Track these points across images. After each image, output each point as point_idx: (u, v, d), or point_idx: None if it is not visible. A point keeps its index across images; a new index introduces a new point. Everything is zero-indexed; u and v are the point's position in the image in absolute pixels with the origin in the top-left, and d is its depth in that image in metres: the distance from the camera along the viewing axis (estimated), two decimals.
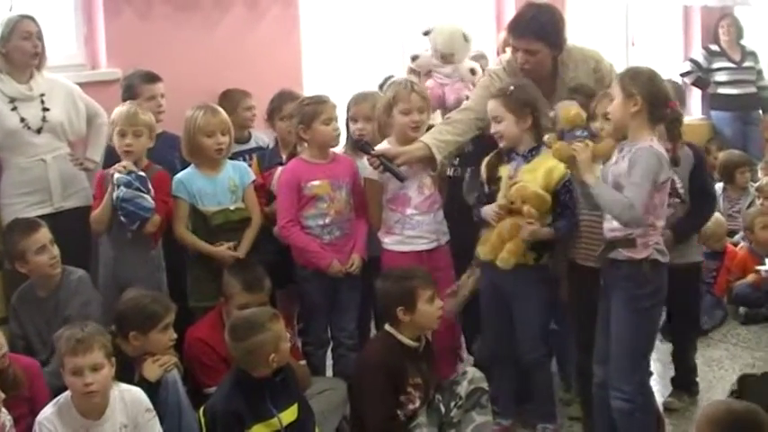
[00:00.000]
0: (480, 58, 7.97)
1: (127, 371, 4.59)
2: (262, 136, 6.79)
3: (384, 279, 5.07)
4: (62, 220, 5.66)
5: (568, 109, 4.93)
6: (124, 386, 4.36)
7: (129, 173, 5.34)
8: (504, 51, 8.21)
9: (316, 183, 5.55)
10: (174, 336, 4.84)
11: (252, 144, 6.74)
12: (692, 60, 10.44)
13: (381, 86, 6.46)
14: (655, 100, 4.54)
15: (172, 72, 6.48)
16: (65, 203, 5.84)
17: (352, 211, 5.67)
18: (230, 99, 6.68)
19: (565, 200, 5.08)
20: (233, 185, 5.64)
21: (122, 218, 5.33)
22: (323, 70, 7.77)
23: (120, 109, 5.55)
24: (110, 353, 4.22)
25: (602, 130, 4.84)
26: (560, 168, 4.99)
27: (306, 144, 5.66)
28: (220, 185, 5.62)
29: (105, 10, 6.40)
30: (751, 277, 7.35)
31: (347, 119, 5.98)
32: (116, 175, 5.31)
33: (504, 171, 5.20)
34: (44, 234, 5.19)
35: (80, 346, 4.13)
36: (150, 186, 5.36)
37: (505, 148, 5.23)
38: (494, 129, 5.24)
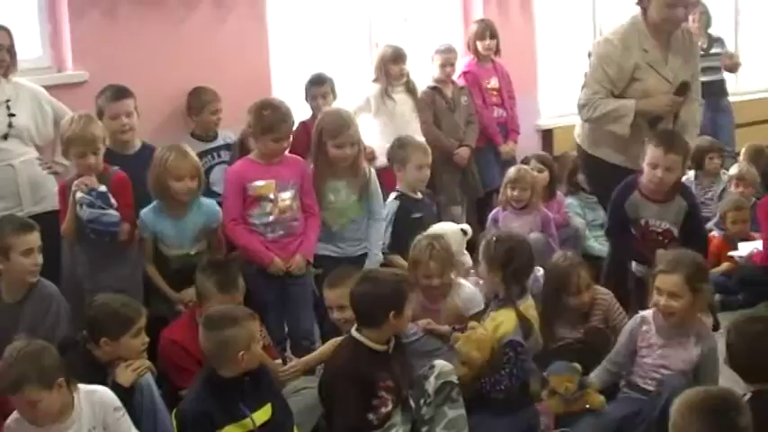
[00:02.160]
0: (449, 51, 8.03)
1: (99, 376, 4.55)
2: (229, 134, 6.81)
3: (367, 281, 4.92)
4: None
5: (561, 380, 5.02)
6: (88, 388, 4.25)
7: (91, 191, 5.32)
8: (474, 45, 8.29)
9: (260, 183, 5.67)
10: (147, 340, 4.81)
11: (219, 142, 6.82)
12: None
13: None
14: None
15: (139, 71, 6.51)
16: (35, 208, 5.81)
17: (299, 211, 5.76)
18: (198, 99, 6.73)
19: (504, 359, 5.04)
20: (197, 231, 5.67)
21: (92, 236, 5.37)
22: (291, 67, 7.74)
23: (73, 129, 5.46)
24: (51, 380, 4.00)
25: None
26: (507, 325, 5.06)
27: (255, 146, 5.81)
28: (184, 230, 5.65)
29: (70, 11, 6.36)
30: (725, 265, 7.37)
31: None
32: (78, 194, 5.30)
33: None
34: (36, 238, 5.13)
35: None
36: (111, 199, 5.35)
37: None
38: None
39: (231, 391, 4.48)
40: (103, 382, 4.52)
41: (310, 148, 6.13)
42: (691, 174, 8.72)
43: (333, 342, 5.23)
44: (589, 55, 6.69)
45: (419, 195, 6.71)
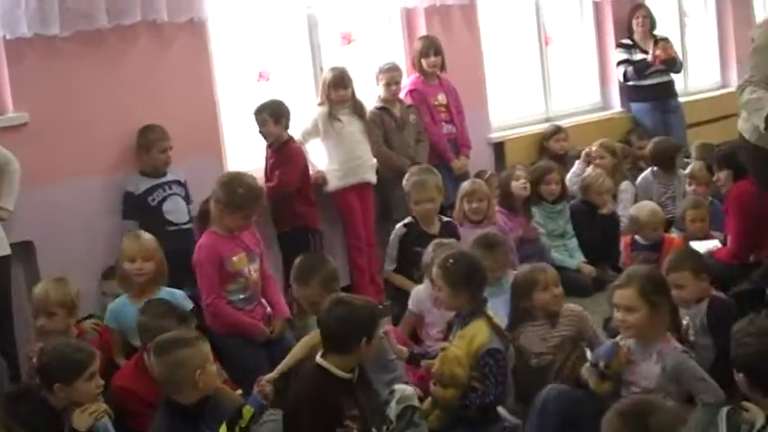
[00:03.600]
0: (393, 70, 8.00)
1: (55, 424, 4.47)
2: (177, 170, 6.78)
3: (340, 305, 4.79)
4: None
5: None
6: None
7: None
8: (419, 62, 8.27)
9: (235, 258, 5.71)
10: (101, 383, 4.71)
11: (169, 177, 6.76)
12: (621, 62, 10.42)
13: None
14: None
15: (81, 111, 6.45)
16: None
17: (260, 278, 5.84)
18: (146, 137, 6.69)
19: (485, 370, 5.04)
20: None
21: None
22: (238, 97, 7.68)
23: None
24: None
25: None
26: (482, 336, 5.07)
27: (217, 217, 5.76)
28: None
29: (7, 53, 6.23)
30: None
31: None
32: None
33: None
34: None
35: None
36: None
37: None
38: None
39: (193, 416, 4.43)
40: (60, 429, 4.46)
41: None
42: (648, 172, 8.77)
43: (303, 343, 5.19)
44: (752, 40, 6.42)
45: (433, 230, 6.81)
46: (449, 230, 6.83)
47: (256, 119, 7.25)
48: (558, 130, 9.48)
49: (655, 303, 4.76)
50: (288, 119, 7.30)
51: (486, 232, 6.64)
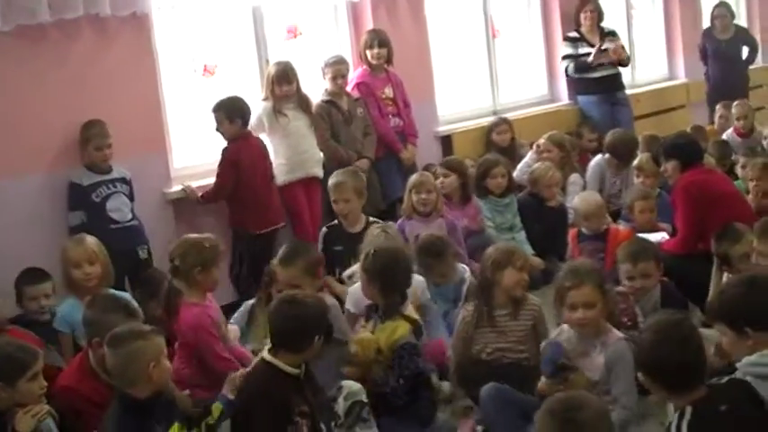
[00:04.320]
0: (340, 63, 7.97)
1: None
2: (122, 169, 6.74)
3: (293, 303, 4.74)
4: None
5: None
6: None
7: None
8: (365, 54, 8.24)
9: (222, 325, 5.55)
10: (45, 384, 4.61)
11: (114, 175, 6.70)
12: (566, 56, 10.45)
13: None
14: None
15: (25, 106, 6.38)
16: None
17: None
18: (86, 132, 6.61)
19: (396, 362, 5.18)
20: None
21: None
22: (183, 92, 7.61)
23: None
24: None
25: None
26: (402, 330, 5.23)
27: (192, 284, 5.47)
28: None
29: None
30: None
31: None
32: None
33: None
34: None
35: None
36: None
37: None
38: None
39: (145, 411, 4.36)
40: (3, 429, 4.37)
41: None
42: (600, 158, 8.80)
43: None
44: None
45: (356, 229, 6.83)
46: None
47: (214, 116, 7.21)
48: (500, 122, 9.49)
49: (606, 294, 4.83)
50: (243, 116, 7.27)
51: (429, 239, 6.57)
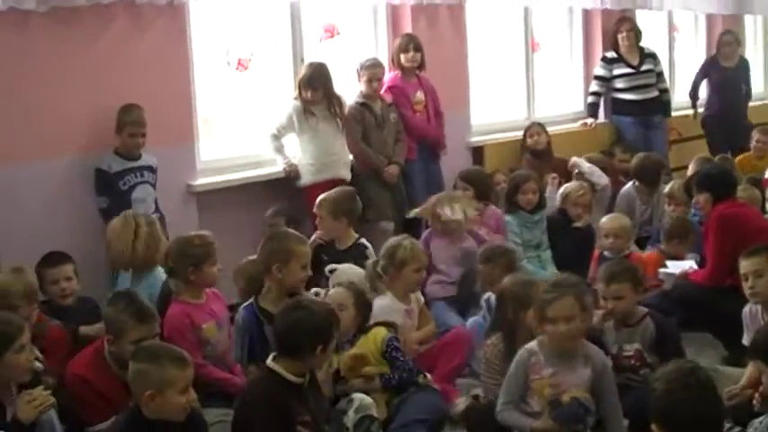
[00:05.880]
0: (376, 66, 7.91)
1: None
2: (152, 157, 6.71)
3: (299, 309, 4.67)
4: None
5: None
6: None
7: None
8: (398, 58, 8.16)
9: (205, 326, 5.42)
10: (35, 356, 4.57)
11: (142, 162, 6.67)
12: (597, 77, 10.35)
13: None
14: None
15: (56, 88, 6.33)
16: None
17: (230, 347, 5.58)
18: (122, 118, 6.56)
19: (392, 353, 5.34)
20: None
21: None
22: (215, 85, 7.55)
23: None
24: None
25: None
26: (381, 332, 5.40)
27: (188, 283, 5.47)
28: None
29: None
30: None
31: None
32: None
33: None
34: None
35: None
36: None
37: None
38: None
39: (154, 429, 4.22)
40: (3, 417, 4.33)
41: None
42: (630, 186, 8.67)
43: None
44: None
45: (341, 246, 6.78)
46: (358, 250, 6.71)
47: None
48: (534, 125, 9.34)
49: (588, 307, 4.78)
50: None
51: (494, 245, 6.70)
